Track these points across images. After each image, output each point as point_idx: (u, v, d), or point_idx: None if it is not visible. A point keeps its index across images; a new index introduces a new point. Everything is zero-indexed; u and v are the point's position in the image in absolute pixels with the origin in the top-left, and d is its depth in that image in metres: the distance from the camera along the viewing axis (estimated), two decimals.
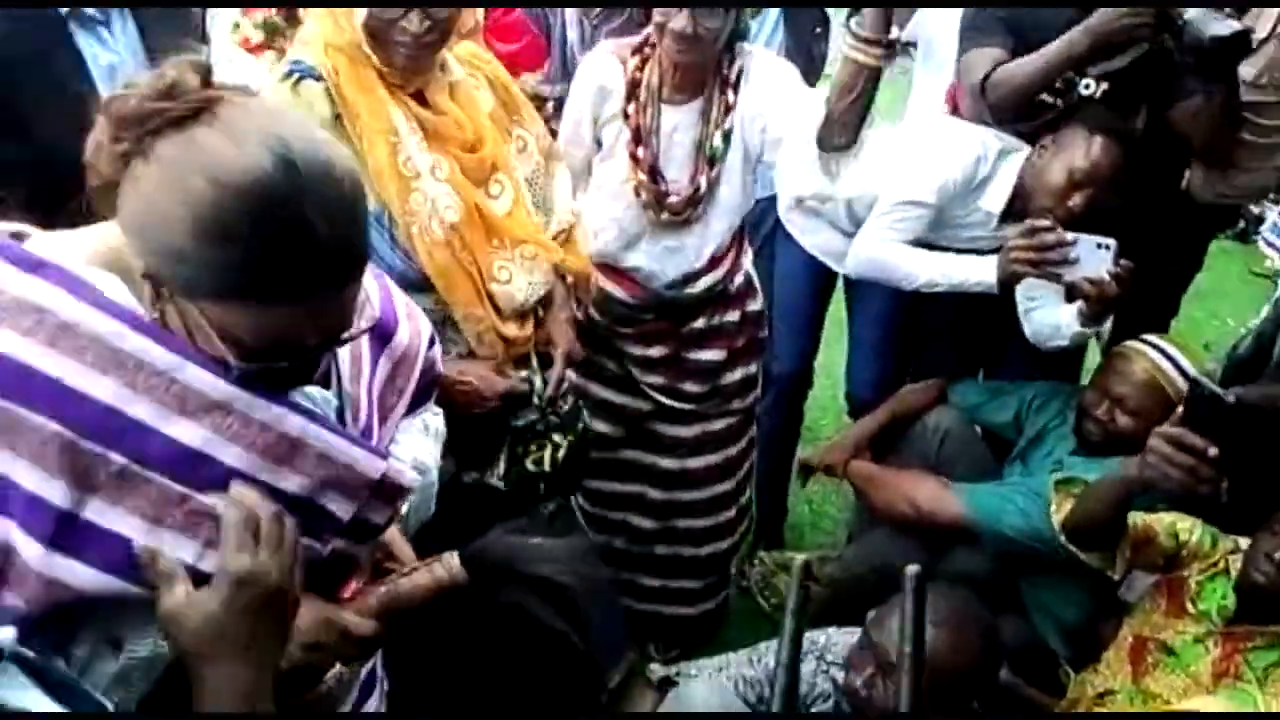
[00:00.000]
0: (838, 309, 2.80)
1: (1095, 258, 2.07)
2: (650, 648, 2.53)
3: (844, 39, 2.12)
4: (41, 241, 0.96)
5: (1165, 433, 1.68)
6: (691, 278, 2.21)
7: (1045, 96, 2.27)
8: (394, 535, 1.11)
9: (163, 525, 0.91)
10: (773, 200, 2.53)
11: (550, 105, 2.61)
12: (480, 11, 2.37)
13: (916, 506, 2.23)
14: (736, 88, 2.11)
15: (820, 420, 3.16)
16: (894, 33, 2.13)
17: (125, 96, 0.87)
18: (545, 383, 1.92)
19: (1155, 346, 2.24)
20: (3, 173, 1.80)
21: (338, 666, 1.11)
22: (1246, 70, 2.33)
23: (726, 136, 2.12)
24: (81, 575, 0.89)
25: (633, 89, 2.09)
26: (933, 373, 2.59)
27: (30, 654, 0.84)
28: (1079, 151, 2.14)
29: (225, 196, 0.84)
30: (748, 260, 2.33)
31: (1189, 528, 1.93)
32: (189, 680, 0.91)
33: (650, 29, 2.05)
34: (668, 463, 2.36)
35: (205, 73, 0.89)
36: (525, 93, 2.05)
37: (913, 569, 1.11)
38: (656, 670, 2.14)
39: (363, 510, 1.02)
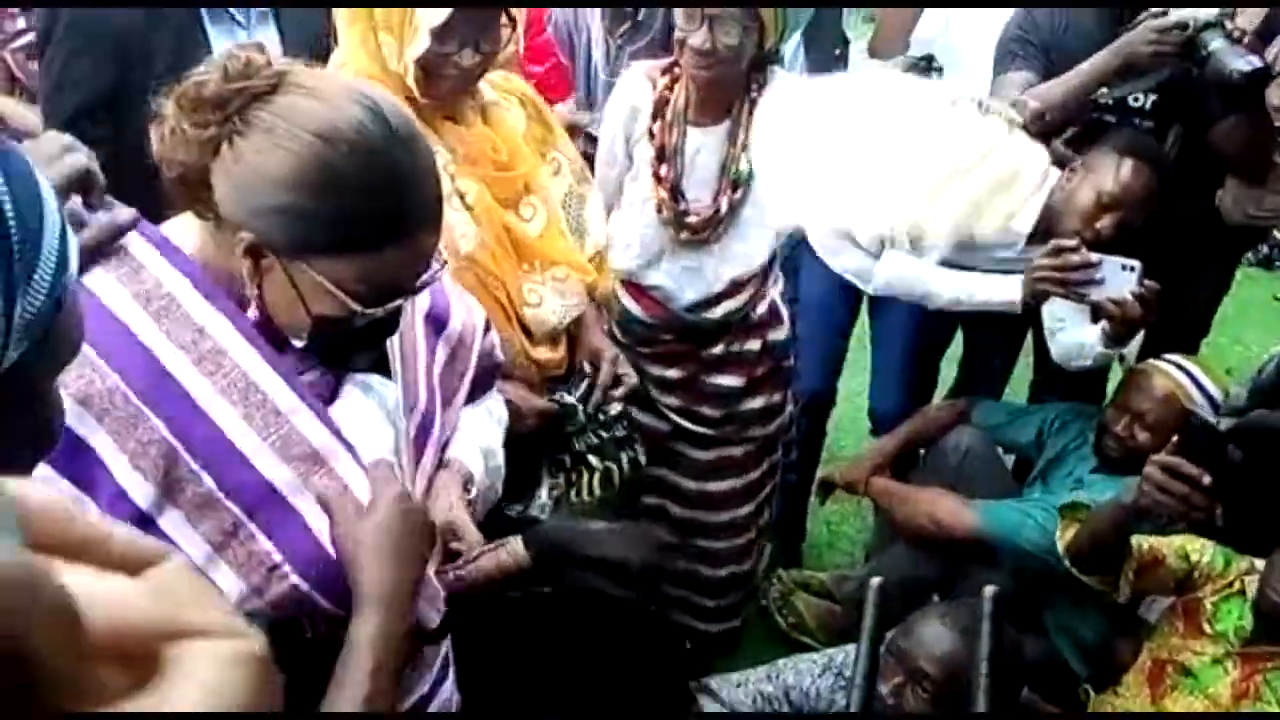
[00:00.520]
0: (860, 329, 2.83)
1: (1120, 279, 2.09)
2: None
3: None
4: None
5: (1160, 461, 1.72)
6: (711, 301, 2.21)
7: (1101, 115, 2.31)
8: (462, 519, 1.12)
9: (222, 557, 0.94)
10: None
11: (583, 135, 2.65)
12: (519, 40, 2.41)
13: (936, 521, 2.25)
14: None
15: (841, 440, 3.18)
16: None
17: (201, 83, 0.90)
18: (585, 400, 1.88)
19: (1176, 365, 2.26)
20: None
21: None
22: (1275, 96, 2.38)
23: (752, 162, 2.15)
24: None
25: (659, 108, 2.13)
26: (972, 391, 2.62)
27: None
28: (1108, 175, 2.17)
29: (332, 150, 0.88)
30: (775, 290, 2.31)
31: (1199, 549, 1.95)
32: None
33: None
34: (689, 484, 2.36)
35: (265, 53, 0.93)
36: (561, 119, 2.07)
37: (990, 589, 1.13)
38: None
39: None
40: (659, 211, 2.16)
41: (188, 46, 1.87)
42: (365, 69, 1.60)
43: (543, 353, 1.82)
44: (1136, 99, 2.36)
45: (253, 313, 0.96)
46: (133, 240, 0.96)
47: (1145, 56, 2.21)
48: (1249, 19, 2.59)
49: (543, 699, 1.26)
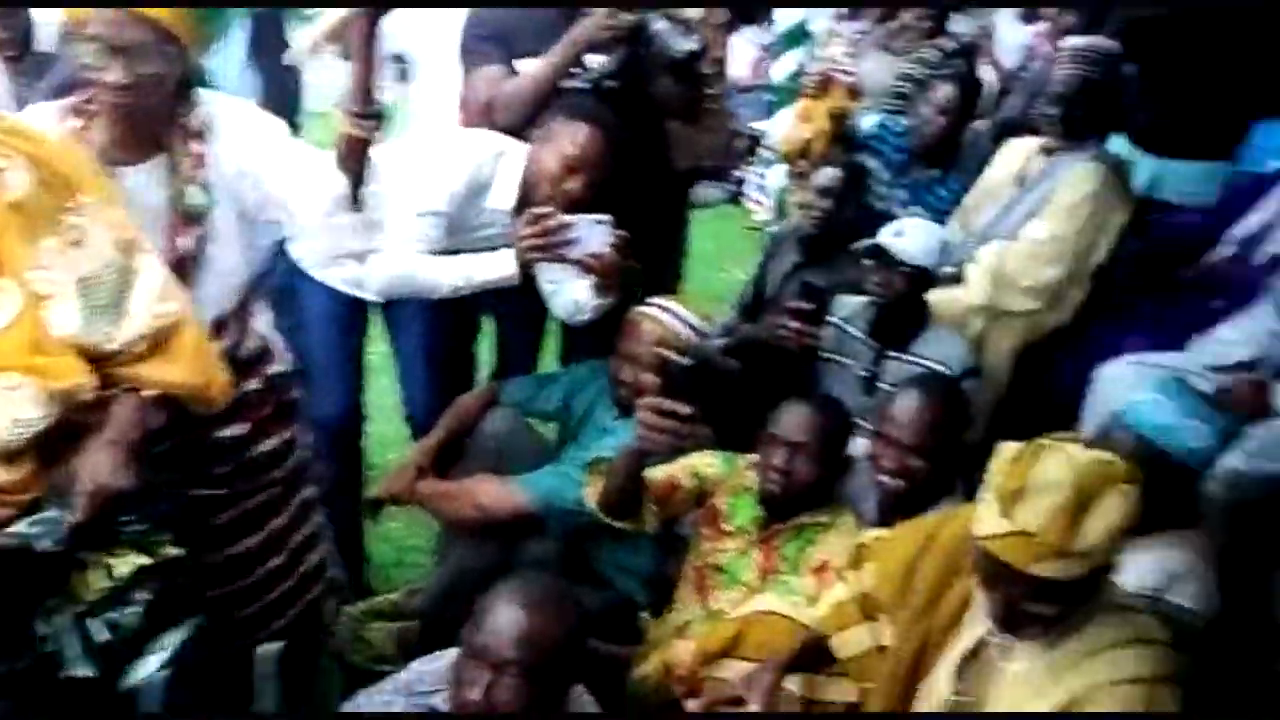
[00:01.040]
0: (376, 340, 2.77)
1: (595, 234, 2.27)
2: None
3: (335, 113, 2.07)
4: None
5: (646, 403, 1.89)
6: None
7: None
8: None
9: None
10: (279, 245, 2.43)
11: None
12: None
13: (481, 507, 2.28)
14: (202, 138, 1.97)
15: (386, 456, 3.09)
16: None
17: None
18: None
19: (659, 306, 2.48)
20: None
21: None
22: None
23: (205, 190, 1.97)
24: None
25: None
26: None
27: None
28: (566, 140, 2.34)
29: None
30: (261, 323, 2.14)
31: (707, 462, 2.18)
32: None
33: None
34: (213, 555, 2.07)
35: None
36: None
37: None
38: None
39: None
40: None
41: None
42: None
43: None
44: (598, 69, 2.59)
45: None
46: None
47: (599, 39, 2.44)
48: None
49: None
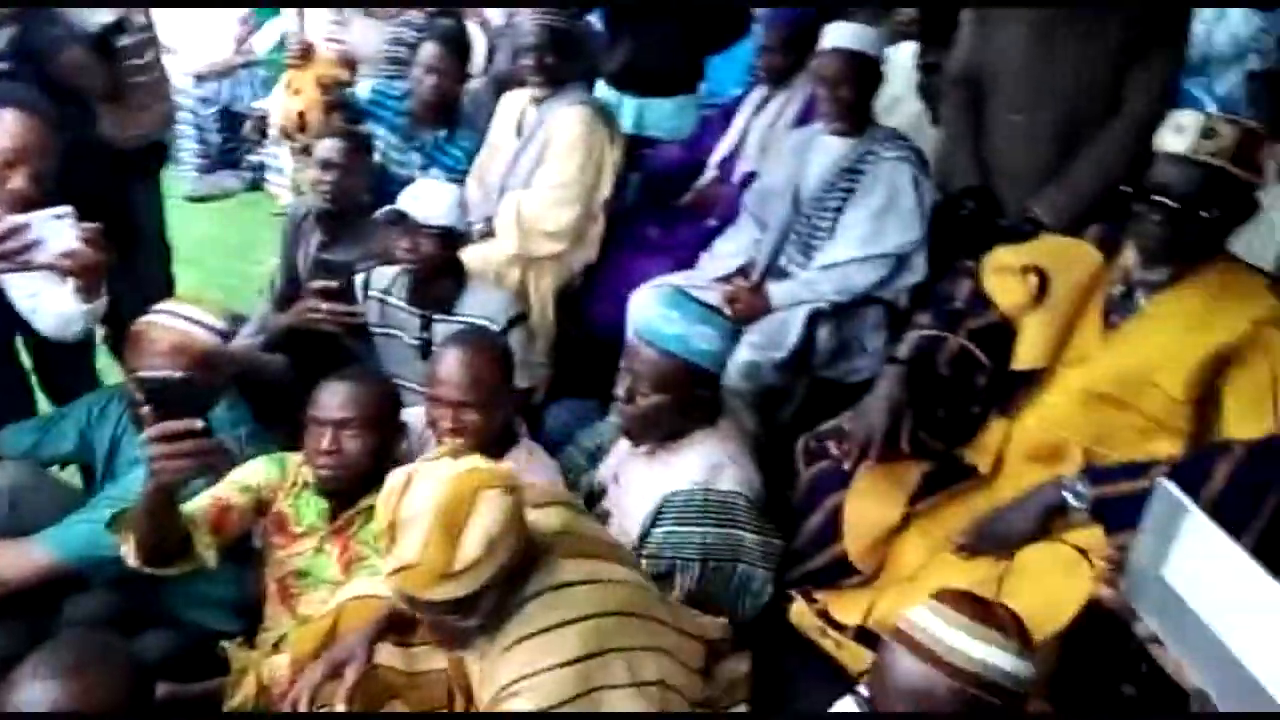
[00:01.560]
0: None
1: (58, 231, 1.95)
2: None
3: None
4: None
5: (148, 434, 1.65)
6: None
7: None
8: None
9: None
10: None
11: None
12: None
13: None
14: None
15: None
16: None
17: None
18: None
19: (166, 311, 2.22)
20: None
21: None
22: None
23: None
24: None
25: None
26: None
27: None
28: None
29: None
30: None
31: (255, 471, 2.02)
32: None
33: None
34: None
35: None
36: None
37: None
38: None
39: None
40: None
41: None
42: None
43: None
44: None
45: None
46: None
47: None
48: None
49: None
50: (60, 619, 1.98)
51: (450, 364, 2.02)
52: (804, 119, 3.18)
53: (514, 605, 1.56)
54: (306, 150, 3.22)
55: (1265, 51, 2.58)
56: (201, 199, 5.02)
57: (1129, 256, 1.91)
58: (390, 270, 2.68)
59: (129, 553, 1.84)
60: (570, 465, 2.35)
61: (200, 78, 4.94)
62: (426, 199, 2.53)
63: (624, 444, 2.19)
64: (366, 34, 3.98)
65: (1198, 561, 0.86)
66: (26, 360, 2.66)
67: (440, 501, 1.45)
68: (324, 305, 2.48)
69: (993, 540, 1.86)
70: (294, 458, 2.05)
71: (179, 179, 4.89)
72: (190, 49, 4.78)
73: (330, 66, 3.67)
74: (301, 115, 3.43)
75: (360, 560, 1.95)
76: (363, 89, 3.53)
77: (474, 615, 1.52)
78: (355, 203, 2.86)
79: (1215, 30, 4.02)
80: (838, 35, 2.76)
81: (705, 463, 2.03)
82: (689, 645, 1.76)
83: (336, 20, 4.28)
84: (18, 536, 2.01)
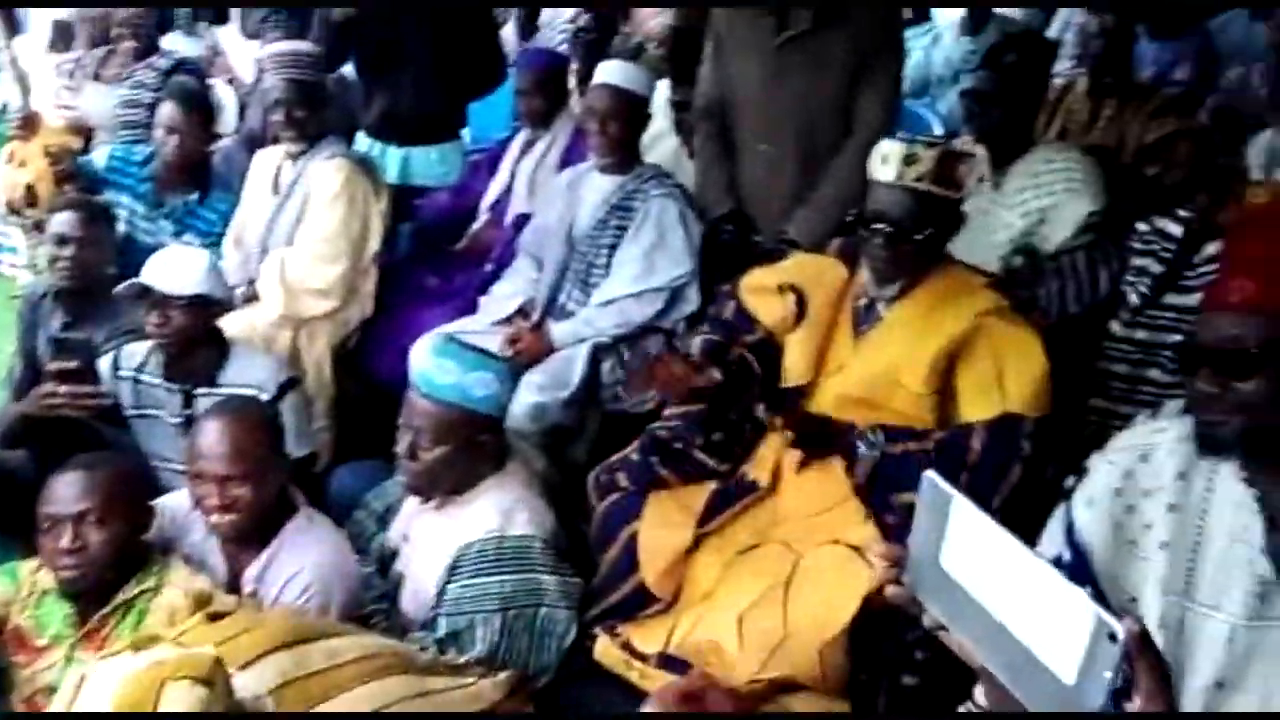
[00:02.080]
0: None
1: None
2: None
3: None
4: None
5: None
6: None
7: None
8: None
9: None
10: None
11: None
12: None
13: None
14: None
15: None
16: None
17: None
18: None
19: None
20: None
21: None
22: None
23: None
24: None
25: None
26: None
27: None
28: None
29: None
30: None
31: None
32: None
33: None
34: None
35: None
36: None
37: None
38: None
39: None
40: None
41: None
42: None
43: None
44: None
45: None
46: None
47: None
48: None
49: None
50: None
51: (210, 437, 1.89)
52: (569, 159, 3.24)
53: None
54: (40, 226, 2.98)
55: (975, 71, 2.85)
56: None
57: (864, 275, 2.05)
58: (141, 347, 2.50)
59: None
60: (359, 530, 2.27)
61: None
62: (174, 268, 2.38)
63: (412, 501, 2.13)
64: (97, 99, 3.74)
65: (966, 545, 0.90)
66: None
67: (118, 704, 1.32)
68: (62, 388, 2.27)
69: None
70: (26, 565, 1.86)
71: None
72: None
73: (59, 135, 3.41)
74: (30, 189, 3.17)
75: (107, 645, 1.79)
76: (99, 156, 3.31)
77: None
78: (98, 277, 2.65)
79: (932, 54, 4.41)
80: (608, 73, 2.85)
81: (496, 509, 2.00)
82: None
83: (68, 86, 4.01)
84: None
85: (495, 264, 3.20)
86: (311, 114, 2.99)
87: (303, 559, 1.93)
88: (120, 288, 2.42)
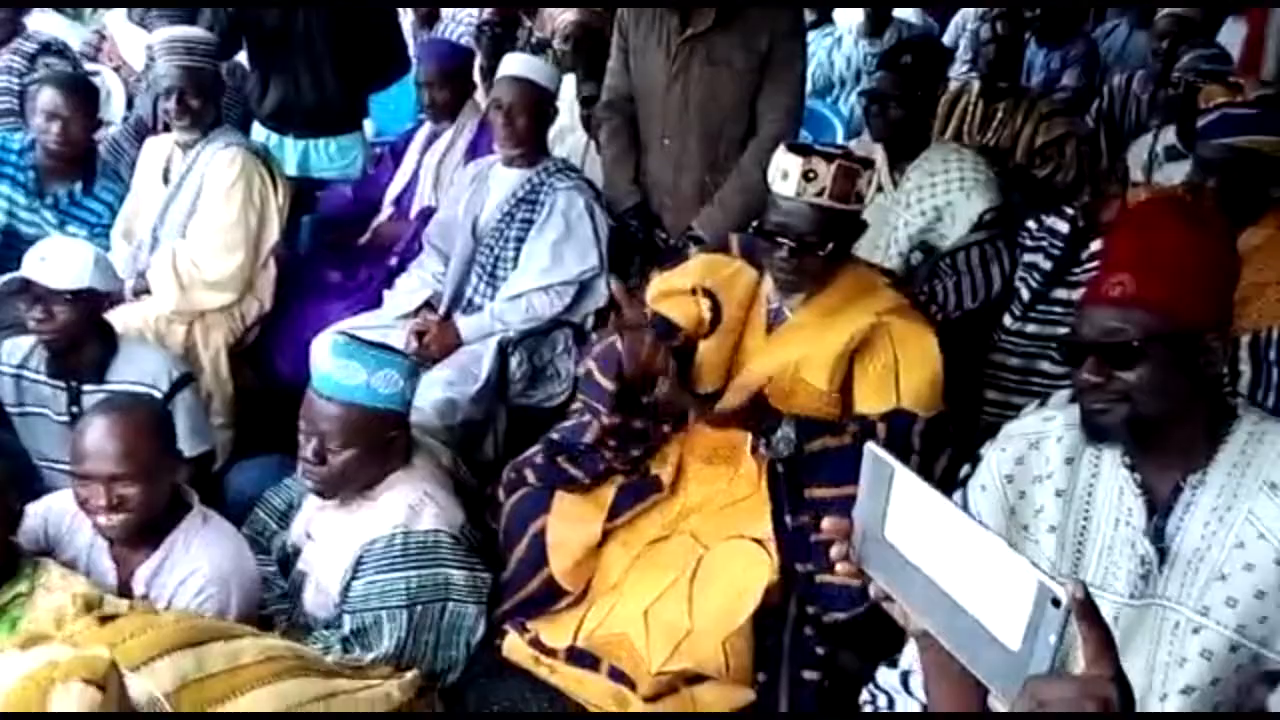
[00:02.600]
0: None
1: None
2: None
3: None
4: None
5: None
6: None
7: None
8: None
9: None
10: None
11: None
12: None
13: None
14: None
15: None
16: None
17: None
18: None
19: None
20: None
21: None
22: None
23: None
24: None
25: None
26: None
27: None
28: None
29: None
30: None
31: None
32: None
33: None
34: None
35: None
36: None
37: None
38: None
39: None
40: None
41: None
42: None
43: None
44: None
45: None
46: None
47: None
48: None
49: None
50: None
51: (96, 435, 1.81)
52: (474, 152, 3.20)
53: None
54: None
55: (874, 74, 2.93)
56: None
57: (768, 283, 2.06)
58: (24, 341, 2.38)
59: None
60: (260, 528, 2.21)
61: None
62: (57, 261, 2.27)
63: (314, 498, 2.08)
64: None
65: (909, 515, 0.89)
66: None
67: (4, 703, 1.28)
68: None
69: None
70: None
71: None
72: None
73: None
74: None
75: None
76: None
77: None
78: None
79: (835, 56, 4.51)
80: (514, 65, 2.82)
81: (402, 504, 1.97)
82: None
83: None
84: None
85: (400, 258, 3.15)
86: (205, 102, 2.89)
87: (198, 559, 1.86)
88: (0, 282, 2.30)
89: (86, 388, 2.35)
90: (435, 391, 2.60)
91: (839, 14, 4.82)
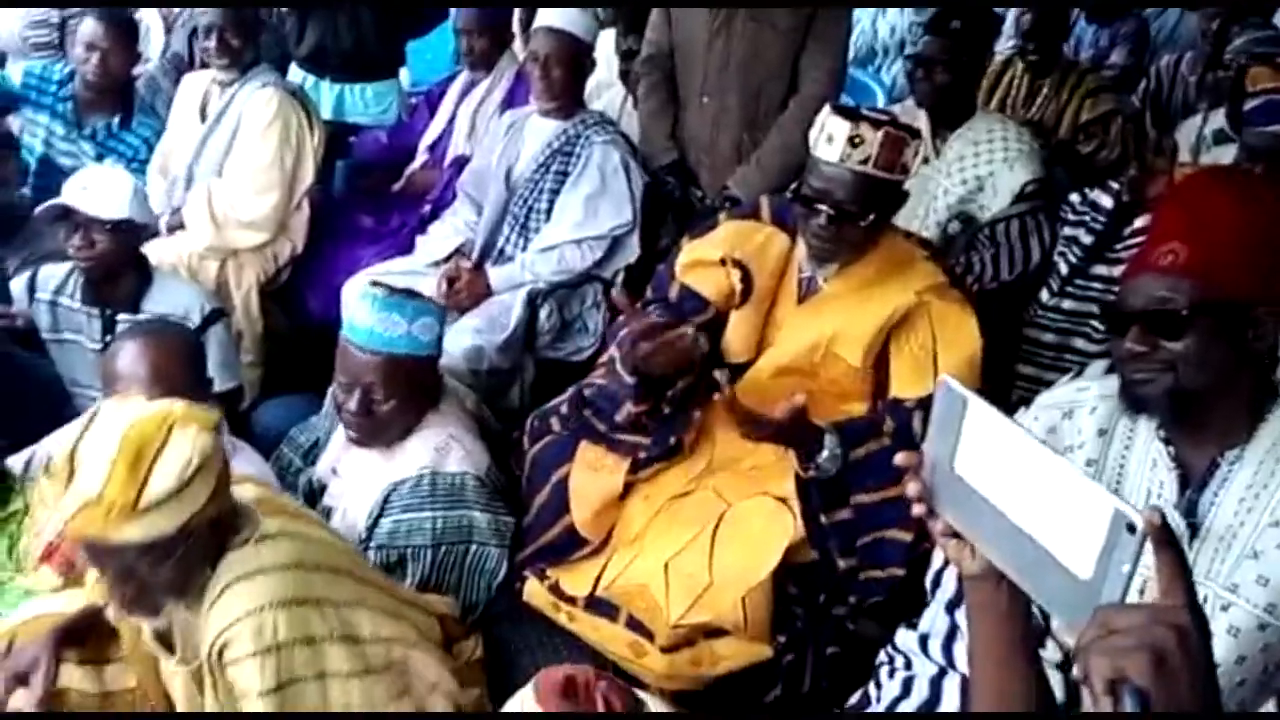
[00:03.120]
0: None
1: None
2: None
3: None
4: None
5: None
6: None
7: None
8: None
9: None
10: None
11: None
12: None
13: None
14: None
15: None
16: None
17: None
18: None
19: None
20: None
21: None
22: None
23: None
24: None
25: None
26: None
27: None
28: None
29: None
30: None
31: None
32: None
33: None
34: None
35: None
36: None
37: None
38: None
39: None
40: None
41: None
42: None
43: None
44: None
45: None
46: None
47: None
48: None
49: None
50: None
51: (128, 358, 1.81)
52: (510, 102, 3.18)
53: (214, 561, 1.46)
54: None
55: (919, 42, 2.88)
56: None
57: (801, 250, 2.01)
58: (60, 269, 2.40)
59: None
60: (285, 465, 2.22)
61: None
62: (98, 190, 2.28)
63: (341, 435, 2.09)
64: (3, 19, 3.55)
65: (981, 448, 0.88)
66: None
67: (128, 434, 1.32)
68: None
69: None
70: None
71: None
72: None
73: None
74: None
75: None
76: (14, 73, 3.14)
77: (166, 566, 1.38)
78: (5, 200, 2.54)
79: (879, 24, 4.43)
80: (552, 16, 2.79)
81: (430, 446, 1.98)
82: (415, 615, 1.72)
83: None
84: None
85: (433, 205, 3.15)
86: (245, 41, 2.89)
87: None
88: (40, 209, 2.31)
89: (121, 316, 2.37)
90: (464, 338, 2.60)
91: None
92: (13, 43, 3.65)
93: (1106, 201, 2.29)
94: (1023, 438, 0.85)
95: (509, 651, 1.92)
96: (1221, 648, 1.26)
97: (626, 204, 2.76)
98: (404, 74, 3.83)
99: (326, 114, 3.36)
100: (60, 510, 1.35)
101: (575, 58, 2.77)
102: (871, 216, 1.90)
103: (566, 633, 1.97)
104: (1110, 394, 1.38)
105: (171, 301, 2.39)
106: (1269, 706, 1.25)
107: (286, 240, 2.98)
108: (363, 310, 1.99)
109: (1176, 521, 1.31)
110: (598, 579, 1.95)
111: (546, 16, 2.81)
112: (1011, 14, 4.31)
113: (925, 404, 1.87)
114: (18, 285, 2.41)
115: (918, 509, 0.96)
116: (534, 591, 2.02)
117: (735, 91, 2.73)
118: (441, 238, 2.96)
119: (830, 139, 1.88)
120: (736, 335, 2.08)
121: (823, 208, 1.89)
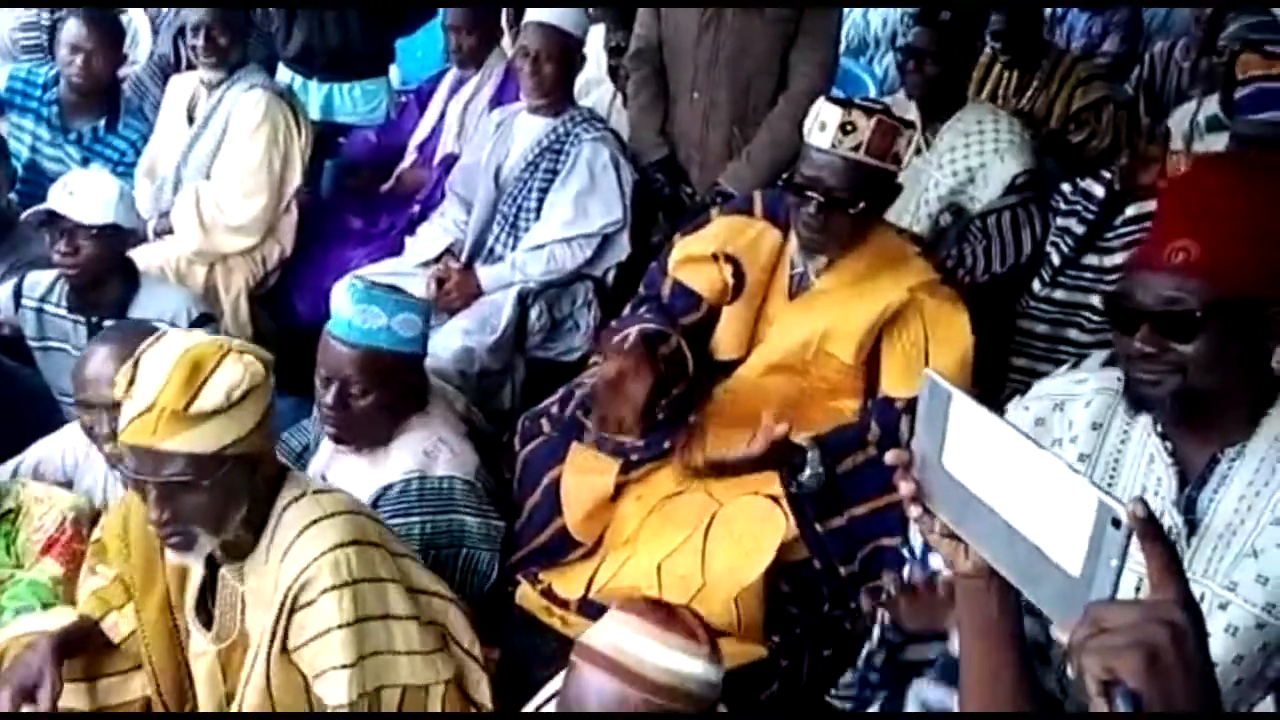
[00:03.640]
0: None
1: None
2: None
3: None
4: None
5: None
6: None
7: None
8: None
9: None
10: None
11: None
12: None
13: None
14: None
15: None
16: None
17: None
18: None
19: None
20: None
21: None
22: None
23: None
24: None
25: None
26: None
27: None
28: None
29: None
30: None
31: None
32: None
33: None
34: None
35: None
36: None
37: None
38: None
39: None
40: None
41: None
42: None
43: None
44: None
45: None
46: None
47: None
48: None
49: None
50: None
51: (97, 362, 1.78)
52: (499, 100, 3.16)
53: (269, 516, 1.52)
54: None
55: (909, 33, 2.86)
56: None
57: (793, 245, 2.00)
58: (46, 275, 2.38)
59: None
60: None
61: None
62: (83, 195, 2.26)
63: (331, 442, 2.07)
64: None
65: (967, 443, 0.86)
66: None
67: (188, 349, 1.40)
68: None
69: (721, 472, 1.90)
70: None
71: None
72: None
73: None
74: None
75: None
76: None
77: (203, 489, 1.41)
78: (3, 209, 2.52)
79: (870, 15, 4.40)
80: (542, 11, 2.76)
81: (417, 450, 1.96)
82: (440, 603, 1.70)
83: None
84: None
85: (422, 205, 3.13)
86: (233, 41, 2.86)
87: None
88: (26, 214, 2.29)
89: (107, 323, 2.35)
90: (454, 340, 2.58)
91: None
92: (1, 45, 3.62)
93: (1098, 190, 2.28)
94: (1007, 432, 0.83)
95: (501, 656, 1.91)
96: (1219, 646, 1.24)
97: (617, 201, 2.73)
98: (394, 72, 3.81)
99: (315, 114, 3.34)
100: (120, 416, 1.43)
101: (566, 53, 2.75)
102: (862, 205, 1.88)
103: (559, 636, 1.96)
104: (1107, 387, 1.35)
105: (159, 307, 2.37)
106: (1265, 703, 1.23)
107: (275, 243, 2.96)
108: (344, 303, 1.98)
109: (1175, 519, 1.29)
110: (590, 582, 1.94)
111: (536, 12, 2.78)
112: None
113: (914, 405, 1.83)
114: (4, 292, 2.39)
115: (914, 510, 0.94)
116: (526, 595, 2.01)
117: (725, 86, 2.71)
118: (430, 238, 2.94)
119: (823, 126, 1.87)
120: (728, 331, 2.06)
121: (813, 195, 1.87)
